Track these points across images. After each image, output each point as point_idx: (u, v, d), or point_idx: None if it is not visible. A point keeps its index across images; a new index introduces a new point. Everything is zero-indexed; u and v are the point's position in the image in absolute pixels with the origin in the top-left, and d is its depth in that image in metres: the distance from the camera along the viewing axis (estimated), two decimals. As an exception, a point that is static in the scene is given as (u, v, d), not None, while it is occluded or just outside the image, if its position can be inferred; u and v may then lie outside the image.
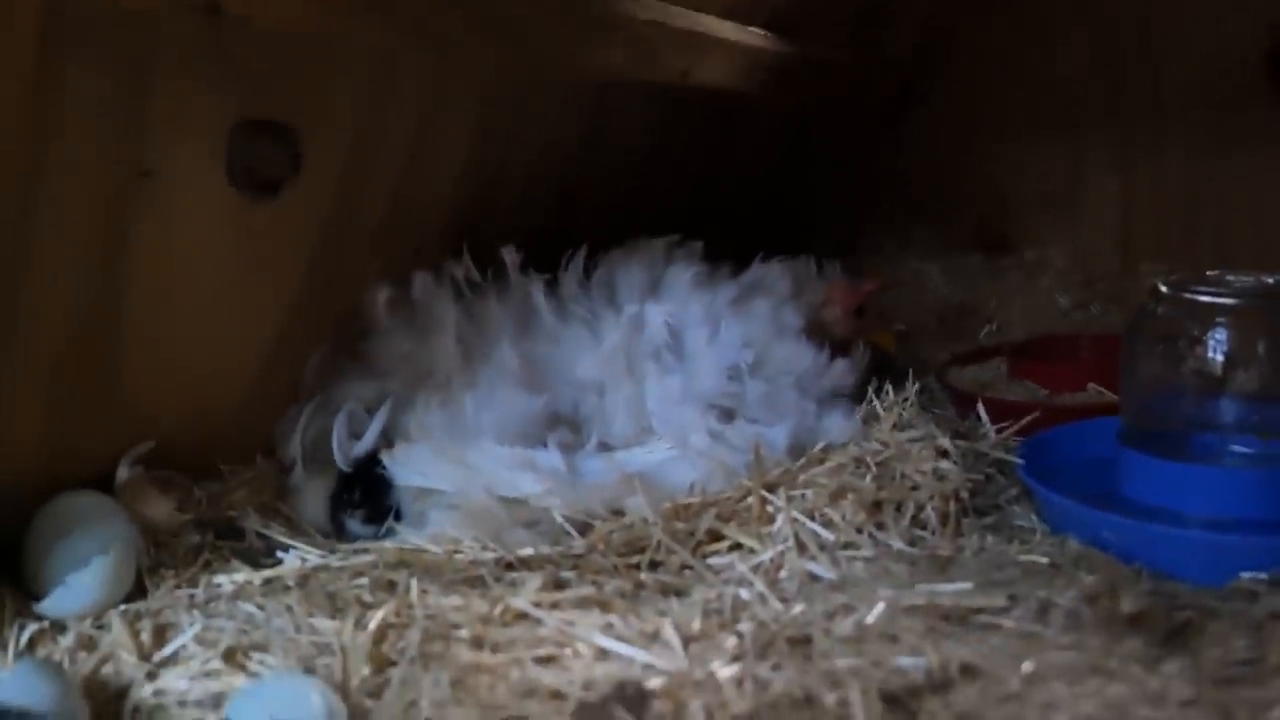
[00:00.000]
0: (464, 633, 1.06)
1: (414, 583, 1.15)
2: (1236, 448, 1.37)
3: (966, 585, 1.13)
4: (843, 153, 2.63)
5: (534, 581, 1.14)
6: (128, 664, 1.06)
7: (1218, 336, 1.35)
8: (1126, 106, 2.41)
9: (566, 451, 1.41)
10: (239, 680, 1.02)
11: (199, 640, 1.09)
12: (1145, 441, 1.40)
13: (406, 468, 1.38)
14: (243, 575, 1.22)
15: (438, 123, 1.52)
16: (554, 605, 1.10)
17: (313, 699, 0.94)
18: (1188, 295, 1.38)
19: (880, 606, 1.07)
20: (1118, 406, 1.49)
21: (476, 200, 1.67)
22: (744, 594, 1.14)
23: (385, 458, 1.39)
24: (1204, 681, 0.97)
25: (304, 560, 1.26)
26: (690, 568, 1.23)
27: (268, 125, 1.31)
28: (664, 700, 0.93)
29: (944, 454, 1.44)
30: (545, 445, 1.41)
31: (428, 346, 1.48)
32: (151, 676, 1.04)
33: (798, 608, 1.10)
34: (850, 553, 1.26)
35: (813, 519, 1.30)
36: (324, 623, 1.10)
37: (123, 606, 1.16)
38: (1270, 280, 1.39)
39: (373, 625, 1.07)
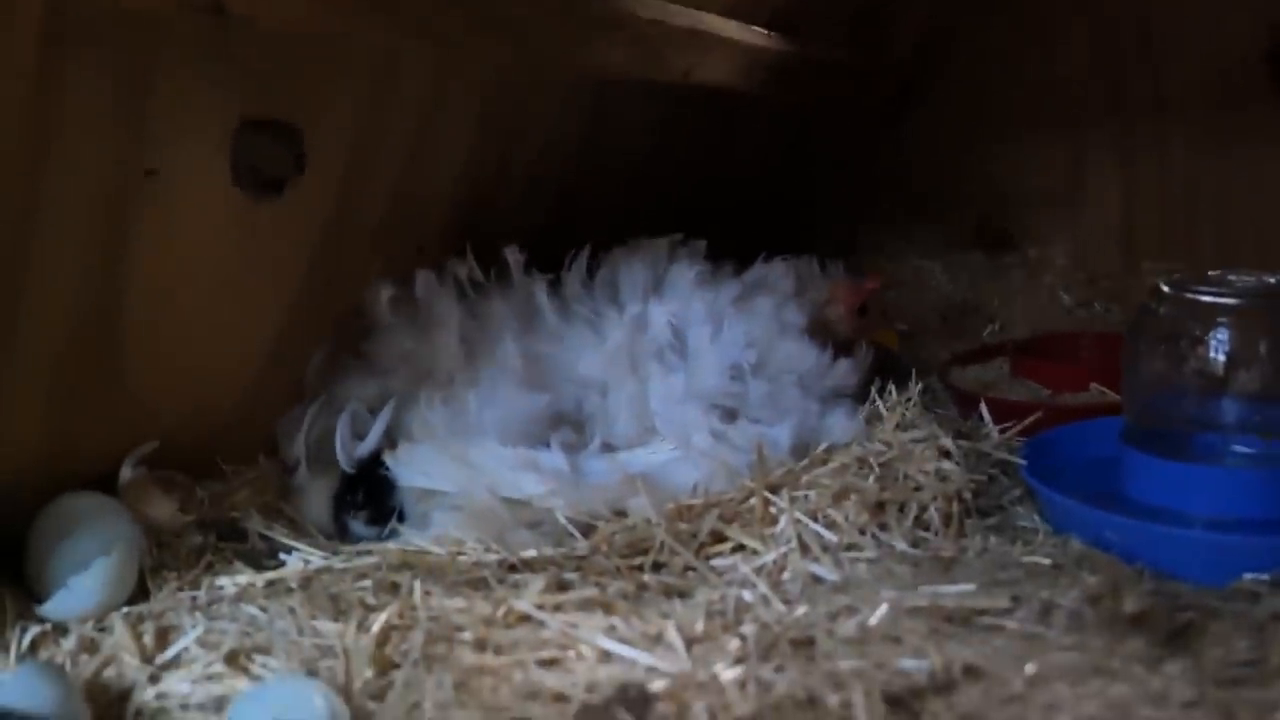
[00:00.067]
0: (467, 635, 1.06)
1: (417, 585, 1.15)
2: (1238, 448, 1.37)
3: (969, 586, 1.13)
4: (843, 151, 2.63)
5: (537, 583, 1.14)
6: (130, 667, 1.06)
7: (1219, 336, 1.35)
8: (1127, 105, 2.41)
9: (569, 452, 1.41)
10: (241, 683, 1.02)
11: (201, 643, 1.08)
12: (1147, 441, 1.40)
13: (410, 468, 1.38)
14: (245, 577, 1.22)
15: (439, 121, 1.52)
16: (557, 607, 1.10)
17: (315, 702, 0.94)
18: (1189, 295, 1.38)
19: (883, 608, 1.07)
20: (1120, 406, 1.49)
21: (478, 198, 1.67)
22: (747, 595, 1.13)
23: (388, 458, 1.39)
24: (1206, 682, 0.97)
25: (307, 562, 1.26)
26: (693, 569, 1.23)
27: (271, 124, 1.31)
28: (667, 702, 0.93)
29: (947, 454, 1.44)
30: (548, 445, 1.41)
31: (430, 345, 1.48)
32: (154, 679, 1.04)
33: (801, 609, 1.10)
34: (853, 554, 1.26)
35: (816, 520, 1.30)
36: (327, 625, 1.10)
37: (125, 609, 1.16)
38: (1272, 280, 1.39)
39: (376, 627, 1.07)
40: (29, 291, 1.15)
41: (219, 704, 1.00)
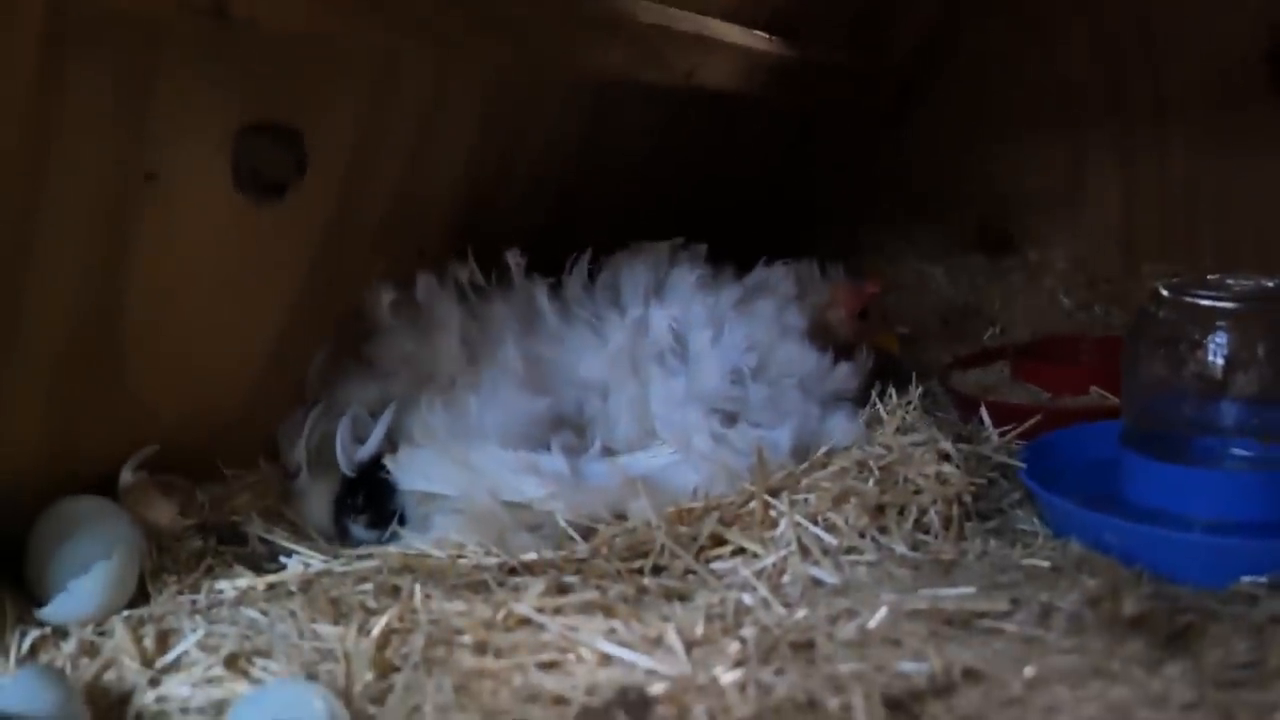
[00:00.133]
0: (467, 638, 1.06)
1: (417, 588, 1.15)
2: (1237, 451, 1.37)
3: (969, 589, 1.13)
4: (844, 152, 2.63)
5: (537, 586, 1.14)
6: (130, 670, 1.06)
7: (1218, 340, 1.35)
8: (1127, 106, 2.41)
9: (570, 455, 1.41)
10: (241, 687, 1.02)
11: (201, 646, 1.09)
12: (1146, 444, 1.40)
13: (410, 472, 1.38)
14: (245, 580, 1.22)
15: (439, 123, 1.53)
16: (557, 610, 1.10)
17: (316, 705, 0.95)
18: (1188, 299, 1.38)
19: (883, 611, 1.07)
20: (1119, 409, 1.49)
21: (478, 200, 1.67)
22: (747, 599, 1.14)
23: (389, 462, 1.39)
24: (1205, 684, 0.97)
25: (307, 565, 1.26)
26: (693, 572, 1.23)
27: (272, 128, 1.31)
28: (667, 705, 0.93)
29: (947, 458, 1.44)
30: (549, 448, 1.41)
31: (431, 348, 1.48)
32: (154, 683, 1.05)
33: (800, 612, 1.10)
34: (853, 557, 1.26)
35: (816, 523, 1.30)
36: (327, 628, 1.10)
37: (125, 612, 1.16)
38: (1270, 284, 1.39)
39: (376, 631, 1.07)
40: (29, 292, 1.15)
41: (219, 707, 1.00)
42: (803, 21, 1.98)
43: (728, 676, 0.97)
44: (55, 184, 1.12)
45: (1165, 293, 1.41)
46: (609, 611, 1.10)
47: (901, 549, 1.28)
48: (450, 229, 1.63)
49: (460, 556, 1.27)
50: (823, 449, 1.47)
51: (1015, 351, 2.02)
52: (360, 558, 1.28)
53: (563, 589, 1.16)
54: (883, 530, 1.31)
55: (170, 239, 1.26)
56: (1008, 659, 1.00)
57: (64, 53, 1.06)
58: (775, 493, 1.35)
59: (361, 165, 1.44)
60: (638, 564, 1.24)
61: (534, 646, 1.04)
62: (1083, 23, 2.43)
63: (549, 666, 1.02)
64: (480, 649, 1.05)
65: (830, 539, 1.28)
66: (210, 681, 1.04)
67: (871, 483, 1.38)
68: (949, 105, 2.57)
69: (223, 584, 1.22)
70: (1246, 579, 1.17)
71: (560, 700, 0.96)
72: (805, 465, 1.43)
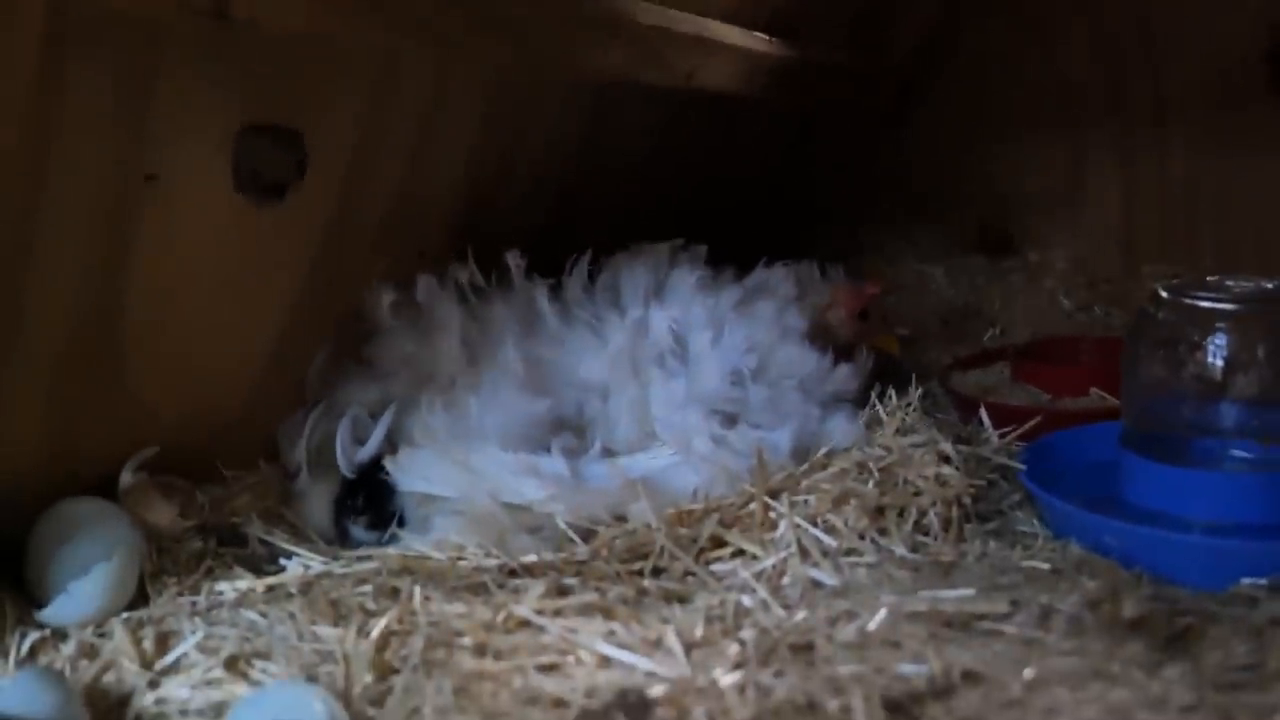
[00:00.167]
0: (467, 640, 1.06)
1: (417, 590, 1.15)
2: (1237, 452, 1.37)
3: (969, 591, 1.13)
4: (844, 153, 2.63)
5: (537, 588, 1.14)
6: (129, 672, 1.06)
7: (1217, 342, 1.35)
8: (1127, 106, 2.41)
9: (570, 456, 1.41)
10: (241, 688, 1.02)
11: (201, 648, 1.09)
12: (1146, 446, 1.40)
13: (410, 473, 1.38)
14: (245, 582, 1.22)
15: (440, 123, 1.53)
16: (557, 612, 1.10)
17: (315, 707, 0.95)
18: (1187, 300, 1.38)
19: (882, 613, 1.07)
20: (1119, 411, 1.49)
21: (479, 200, 1.67)
22: (746, 601, 1.14)
23: (389, 463, 1.39)
24: (1205, 686, 0.97)
25: (307, 567, 1.26)
26: (693, 574, 1.23)
27: (272, 129, 1.31)
28: (666, 708, 0.93)
29: (946, 459, 1.44)
30: (549, 450, 1.41)
31: (431, 348, 1.48)
32: (153, 685, 1.04)
33: (800, 614, 1.10)
34: (853, 559, 1.26)
35: (815, 525, 1.30)
36: (327, 630, 1.10)
37: (125, 614, 1.16)
38: (1269, 285, 1.39)
39: (375, 633, 1.07)
40: (29, 292, 1.15)
41: (218, 709, 1.00)
42: (803, 22, 1.98)
43: (727, 679, 0.97)
44: (55, 184, 1.12)
45: (1164, 294, 1.40)
46: (608, 613, 1.10)
47: (901, 551, 1.28)
48: (450, 229, 1.63)
49: (460, 558, 1.27)
50: (822, 450, 1.47)
51: (1015, 353, 2.02)
52: (360, 559, 1.28)
53: (562, 591, 1.16)
54: (882, 532, 1.31)
55: (170, 239, 1.26)
56: (1007, 661, 1.00)
57: (64, 53, 1.06)
58: (775, 494, 1.35)
59: (362, 165, 1.44)
60: (638, 566, 1.24)
61: (534, 649, 1.04)
62: (1083, 23, 2.43)
63: (548, 669, 1.02)
64: (480, 651, 1.05)
65: (830, 541, 1.28)
66: (209, 683, 1.04)
67: (871, 484, 1.38)
68: (949, 105, 2.57)
69: (222, 585, 1.22)
70: (1246, 581, 1.17)
71: (560, 703, 0.96)
72: (805, 467, 1.43)
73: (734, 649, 1.02)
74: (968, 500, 1.38)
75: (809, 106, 2.41)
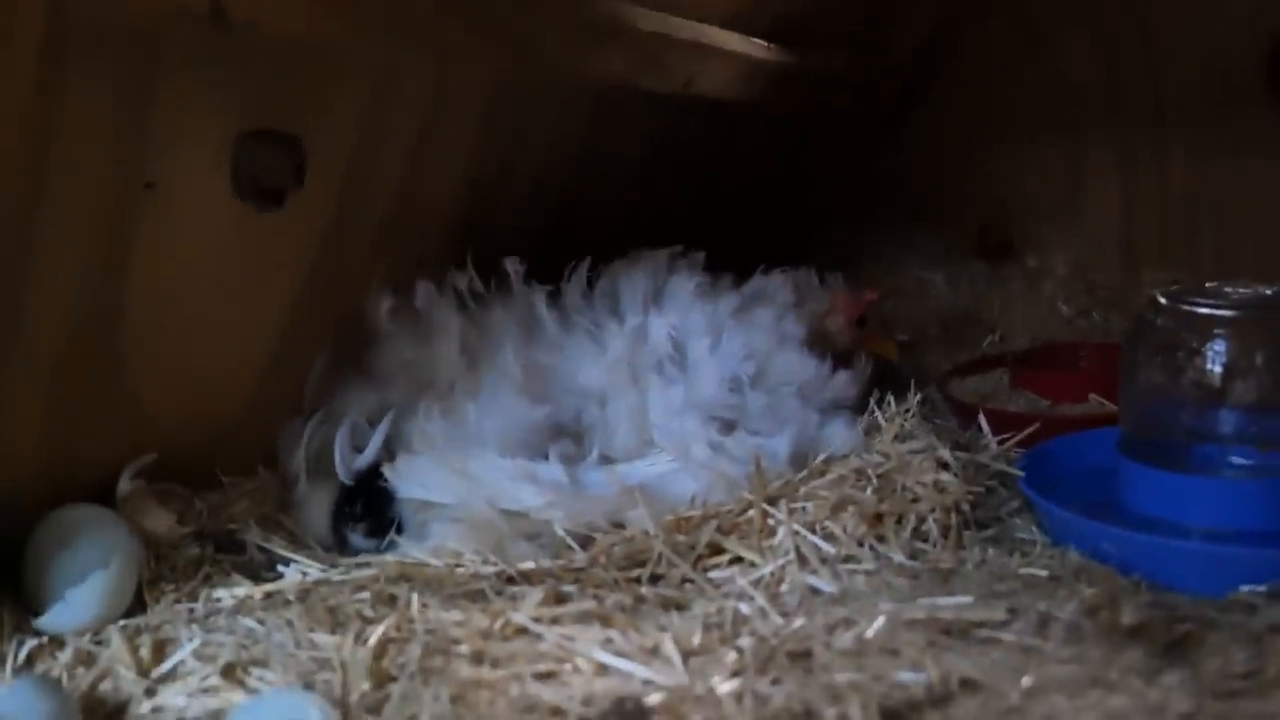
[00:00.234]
0: (464, 648, 1.06)
1: (414, 597, 1.15)
2: (1235, 459, 1.37)
3: (967, 598, 1.13)
4: (843, 158, 2.63)
5: (534, 596, 1.14)
6: (126, 680, 1.06)
7: (1216, 348, 1.35)
8: (1127, 110, 2.41)
9: (568, 463, 1.41)
10: (238, 696, 1.02)
11: (198, 656, 1.08)
12: (1145, 452, 1.40)
13: (408, 480, 1.38)
14: (243, 589, 1.22)
15: (439, 128, 1.52)
16: (554, 620, 1.10)
17: (312, 715, 0.94)
18: (1186, 306, 1.38)
19: (880, 620, 1.07)
20: (1118, 417, 1.49)
21: (478, 205, 1.67)
22: (744, 608, 1.13)
23: (387, 470, 1.38)
24: (1204, 694, 0.97)
25: (304, 574, 1.26)
26: (691, 581, 1.23)
27: (271, 135, 1.31)
28: (663, 716, 0.94)
29: (945, 466, 1.43)
30: (547, 456, 1.41)
31: (430, 354, 1.48)
32: (150, 693, 1.04)
33: (798, 621, 1.10)
34: (851, 566, 1.26)
35: (814, 532, 1.30)
36: (324, 637, 1.10)
37: (122, 621, 1.16)
38: (1268, 291, 1.39)
39: (373, 640, 1.07)
40: (30, 292, 1.15)
41: (215, 717, 1.00)
42: (803, 27, 1.98)
43: (725, 686, 0.97)
44: (55, 185, 1.11)
45: (1163, 300, 1.40)
46: (606, 621, 1.10)
47: (899, 558, 1.27)
48: (450, 234, 1.63)
49: (458, 565, 1.27)
50: (821, 457, 1.47)
51: (1014, 359, 2.02)
52: (358, 566, 1.28)
53: (560, 598, 1.16)
54: (881, 539, 1.31)
55: (170, 243, 1.26)
56: (1005, 668, 1.00)
57: (64, 57, 1.05)
58: (773, 501, 1.34)
59: (361, 169, 1.44)
60: (635, 573, 1.24)
61: (531, 656, 1.04)
62: (1083, 26, 2.42)
63: (546, 677, 1.02)
64: (477, 659, 1.05)
65: (828, 548, 1.28)
66: (206, 691, 1.03)
67: (870, 491, 1.37)
68: (949, 108, 2.57)
69: (220, 593, 1.22)
70: (1245, 587, 1.16)
71: (557, 711, 0.96)
72: (803, 473, 1.43)
73: (731, 657, 1.02)
74: (966, 507, 1.37)
75: (808, 112, 2.40)
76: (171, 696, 1.03)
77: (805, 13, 2.00)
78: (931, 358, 2.13)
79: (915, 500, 1.37)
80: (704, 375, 1.50)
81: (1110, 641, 1.05)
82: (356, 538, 1.39)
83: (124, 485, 1.31)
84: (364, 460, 1.40)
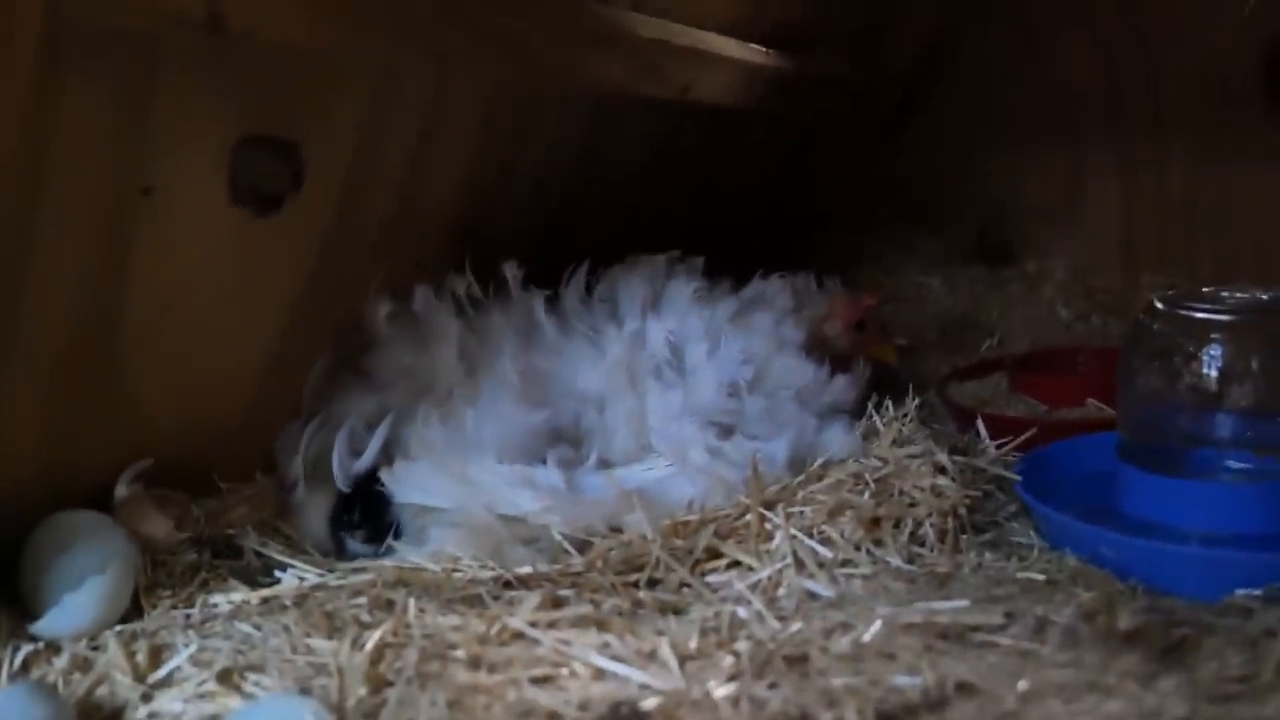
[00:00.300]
0: (461, 653, 1.06)
1: (411, 602, 1.15)
2: (1232, 463, 1.37)
3: (964, 603, 1.13)
4: (842, 163, 2.64)
5: (531, 600, 1.14)
6: (122, 685, 1.06)
7: (1213, 352, 1.35)
8: (1126, 114, 2.41)
9: (566, 468, 1.41)
10: (234, 702, 1.02)
11: (194, 661, 1.08)
12: (1142, 456, 1.40)
13: (406, 485, 1.38)
14: (240, 595, 1.22)
15: (438, 135, 1.53)
16: (551, 624, 1.09)
17: (308, 720, 0.94)
18: (1183, 311, 1.38)
19: (877, 624, 1.07)
20: (1115, 421, 1.49)
21: (478, 210, 1.67)
22: (741, 612, 1.13)
23: (385, 475, 1.38)
24: (1200, 698, 0.96)
25: (302, 579, 1.26)
26: (688, 586, 1.23)
27: (270, 141, 1.32)
28: (660, 720, 0.94)
29: (942, 470, 1.43)
30: (545, 461, 1.41)
31: (429, 359, 1.48)
32: (146, 698, 1.04)
33: (795, 626, 1.09)
34: (848, 570, 1.26)
35: (811, 536, 1.30)
36: (321, 643, 1.10)
37: (118, 627, 1.16)
38: (1265, 296, 1.39)
39: (370, 645, 1.07)
40: (30, 293, 1.15)
41: (212, 723, 1.00)
42: (802, 33, 1.99)
43: (721, 691, 0.97)
44: (55, 196, 1.12)
45: (1160, 305, 1.41)
46: (603, 625, 1.09)
47: (897, 562, 1.27)
48: (450, 236, 1.63)
49: (455, 570, 1.27)
50: (819, 461, 1.46)
51: (1013, 363, 2.02)
52: (355, 571, 1.28)
53: (557, 603, 1.16)
54: (878, 543, 1.31)
55: (169, 249, 1.26)
56: (1002, 673, 1.00)
57: (62, 60, 1.06)
58: (771, 505, 1.34)
59: (360, 174, 1.44)
60: (633, 577, 1.24)
61: (528, 661, 1.04)
62: (1082, 31, 2.43)
63: (542, 681, 1.01)
64: (474, 664, 1.04)
65: (825, 552, 1.28)
66: (202, 697, 1.03)
67: (867, 495, 1.38)
68: (949, 112, 2.57)
69: (217, 598, 1.22)
70: (1241, 592, 1.17)
71: (554, 716, 0.96)
72: (801, 478, 1.43)
73: (728, 661, 1.02)
74: (964, 511, 1.37)
75: (808, 117, 2.41)
76: (168, 702, 1.03)
77: (804, 19, 2.00)
78: (930, 362, 2.13)
79: (913, 504, 1.37)
80: (702, 380, 1.50)
81: (1107, 646, 1.05)
82: (354, 543, 1.39)
83: (121, 490, 1.31)
84: (362, 465, 1.40)
